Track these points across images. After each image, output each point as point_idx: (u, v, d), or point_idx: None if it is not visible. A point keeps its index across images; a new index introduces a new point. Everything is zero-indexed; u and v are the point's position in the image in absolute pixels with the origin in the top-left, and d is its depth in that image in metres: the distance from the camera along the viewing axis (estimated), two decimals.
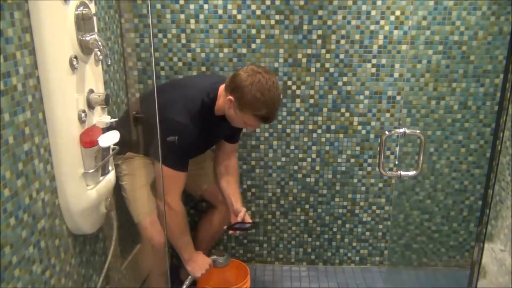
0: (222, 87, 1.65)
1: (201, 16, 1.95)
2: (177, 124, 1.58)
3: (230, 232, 1.80)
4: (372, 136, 2.12)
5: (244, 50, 2.00)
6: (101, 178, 1.47)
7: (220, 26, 1.97)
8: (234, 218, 1.80)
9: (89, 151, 1.34)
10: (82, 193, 1.35)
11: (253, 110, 1.55)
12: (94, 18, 1.38)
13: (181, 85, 1.81)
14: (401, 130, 1.35)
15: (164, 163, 1.61)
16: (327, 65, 2.01)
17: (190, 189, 2.00)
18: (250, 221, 1.80)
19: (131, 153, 1.75)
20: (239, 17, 1.95)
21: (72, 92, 1.28)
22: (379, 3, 1.92)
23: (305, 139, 2.13)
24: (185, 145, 1.58)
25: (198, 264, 1.73)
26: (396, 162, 2.15)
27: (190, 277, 1.73)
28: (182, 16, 1.96)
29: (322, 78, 2.04)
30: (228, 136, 1.89)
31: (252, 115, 1.57)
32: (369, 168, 2.17)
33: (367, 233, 2.28)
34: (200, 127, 1.64)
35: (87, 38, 1.31)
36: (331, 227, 2.28)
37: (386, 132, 1.45)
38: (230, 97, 1.57)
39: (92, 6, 1.38)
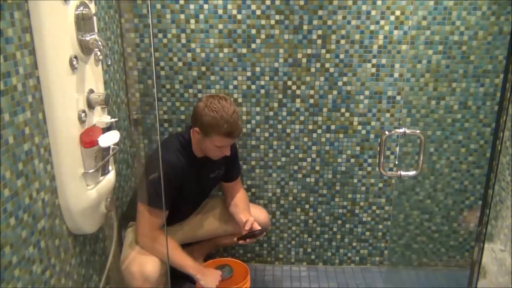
0: (192, 129, 1.76)
1: (201, 16, 1.95)
2: (158, 161, 1.65)
3: (240, 242, 1.80)
4: (372, 136, 2.12)
5: (244, 50, 2.00)
6: (101, 178, 1.47)
7: (220, 26, 1.97)
8: (245, 231, 1.81)
9: (89, 151, 1.34)
10: (82, 193, 1.36)
11: (216, 130, 1.66)
12: (94, 18, 1.38)
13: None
14: (401, 130, 1.35)
15: (141, 201, 1.70)
16: (327, 65, 2.01)
17: (209, 236, 2.07)
18: (258, 228, 1.81)
19: (132, 222, 1.83)
20: (239, 17, 1.95)
21: (72, 92, 1.28)
22: (379, 3, 1.92)
23: (305, 139, 2.13)
24: (167, 182, 1.55)
25: (210, 277, 1.74)
26: (396, 162, 2.15)
27: None
28: (182, 16, 1.96)
29: (322, 78, 2.04)
30: (223, 176, 1.96)
31: (217, 135, 1.67)
32: (369, 168, 2.17)
33: (367, 233, 2.28)
34: (183, 165, 1.74)
35: (87, 38, 1.31)
36: (331, 227, 2.28)
37: (386, 132, 1.44)
38: (196, 128, 1.71)
39: (92, 6, 1.38)
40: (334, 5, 1.93)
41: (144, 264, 1.64)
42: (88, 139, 1.33)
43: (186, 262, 1.73)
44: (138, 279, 1.62)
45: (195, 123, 1.72)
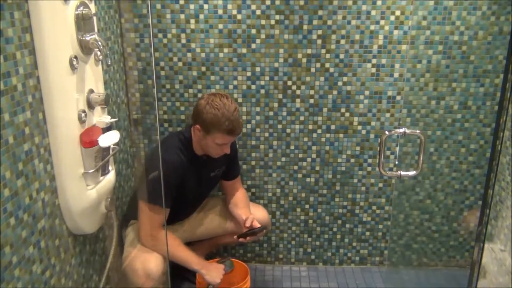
0: (193, 127, 1.77)
1: (201, 16, 1.95)
2: (159, 160, 1.65)
3: (240, 240, 1.81)
4: (372, 136, 2.12)
5: (244, 50, 2.00)
6: (101, 178, 1.47)
7: (220, 26, 1.97)
8: (245, 228, 1.82)
9: (89, 151, 1.34)
10: (82, 193, 1.36)
11: (217, 127, 1.66)
12: (94, 18, 1.38)
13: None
14: (401, 130, 1.35)
15: (141, 199, 1.70)
16: (327, 65, 2.01)
17: (207, 236, 2.07)
18: (258, 225, 1.81)
19: (133, 220, 1.83)
20: (239, 17, 1.95)
21: (72, 92, 1.28)
22: (379, 3, 1.92)
23: (305, 139, 2.13)
24: (167, 181, 1.58)
25: (214, 271, 1.75)
26: (396, 162, 2.15)
27: (210, 286, 1.74)
28: (182, 16, 1.96)
29: (322, 78, 2.04)
30: (223, 174, 1.96)
31: (219, 132, 1.67)
32: (369, 168, 2.17)
33: (367, 233, 2.28)
34: (184, 163, 1.74)
35: (87, 38, 1.31)
36: (331, 227, 2.28)
37: (386, 132, 1.44)
38: (197, 126, 1.71)
39: (92, 6, 1.38)
40: (334, 5, 1.92)
41: (147, 261, 1.64)
42: (88, 139, 1.33)
43: (190, 258, 1.73)
44: (141, 276, 1.62)
45: (196, 121, 1.72)
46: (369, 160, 2.15)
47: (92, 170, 1.36)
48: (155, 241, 1.69)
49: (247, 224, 1.80)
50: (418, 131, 1.41)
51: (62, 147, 1.26)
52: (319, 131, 2.11)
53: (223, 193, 2.07)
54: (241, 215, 1.87)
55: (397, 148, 2.14)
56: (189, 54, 2.01)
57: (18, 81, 1.09)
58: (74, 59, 1.26)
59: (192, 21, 1.96)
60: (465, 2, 1.90)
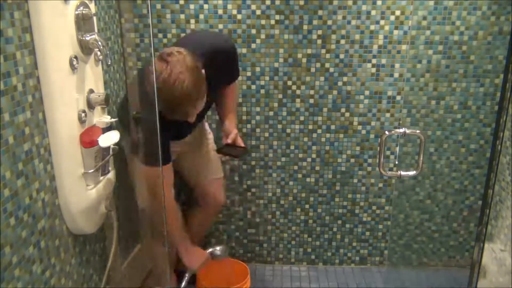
0: None
1: (201, 16, 1.95)
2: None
3: (219, 155, 1.70)
4: (372, 136, 2.12)
5: (244, 50, 2.00)
6: (101, 178, 1.47)
7: (220, 26, 1.97)
8: (225, 139, 1.70)
9: (89, 151, 1.34)
10: (82, 193, 1.36)
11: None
12: (94, 18, 1.38)
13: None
14: (401, 130, 1.35)
15: (142, 162, 1.58)
16: (327, 65, 2.01)
17: (186, 176, 1.94)
18: (242, 145, 1.72)
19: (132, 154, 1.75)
20: (239, 17, 1.95)
21: (72, 92, 1.28)
22: (379, 3, 1.92)
23: (305, 139, 2.13)
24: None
25: (194, 256, 1.72)
26: (396, 162, 2.15)
27: (189, 270, 1.72)
28: (182, 16, 1.96)
29: (322, 78, 2.04)
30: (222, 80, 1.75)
31: None
32: (369, 168, 2.17)
33: (367, 233, 2.28)
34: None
35: (87, 38, 1.31)
36: (331, 227, 2.28)
37: (386, 132, 1.45)
38: None
39: (92, 6, 1.38)
40: (334, 5, 1.92)
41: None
42: (88, 139, 1.33)
43: (180, 240, 1.68)
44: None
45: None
46: (369, 160, 2.15)
47: (92, 170, 1.36)
48: (156, 199, 1.58)
49: (229, 141, 1.68)
50: (418, 131, 1.41)
51: (62, 147, 1.26)
52: (319, 131, 2.11)
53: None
54: (227, 124, 1.73)
55: (397, 148, 2.14)
56: None
57: (18, 81, 1.09)
58: (74, 59, 1.26)
59: (192, 21, 1.96)
60: (465, 2, 1.90)
